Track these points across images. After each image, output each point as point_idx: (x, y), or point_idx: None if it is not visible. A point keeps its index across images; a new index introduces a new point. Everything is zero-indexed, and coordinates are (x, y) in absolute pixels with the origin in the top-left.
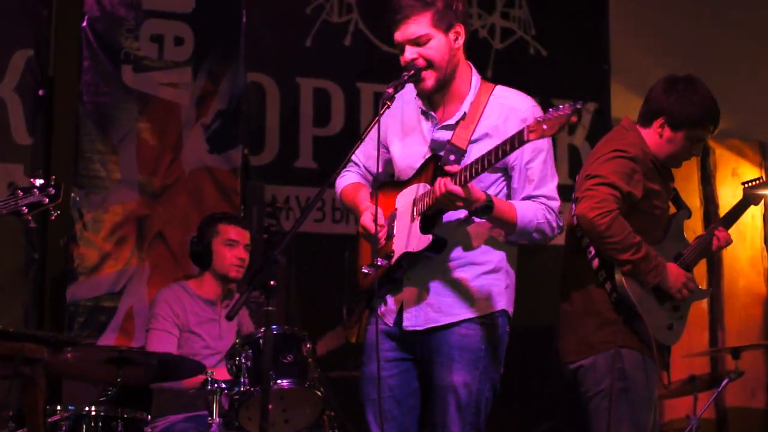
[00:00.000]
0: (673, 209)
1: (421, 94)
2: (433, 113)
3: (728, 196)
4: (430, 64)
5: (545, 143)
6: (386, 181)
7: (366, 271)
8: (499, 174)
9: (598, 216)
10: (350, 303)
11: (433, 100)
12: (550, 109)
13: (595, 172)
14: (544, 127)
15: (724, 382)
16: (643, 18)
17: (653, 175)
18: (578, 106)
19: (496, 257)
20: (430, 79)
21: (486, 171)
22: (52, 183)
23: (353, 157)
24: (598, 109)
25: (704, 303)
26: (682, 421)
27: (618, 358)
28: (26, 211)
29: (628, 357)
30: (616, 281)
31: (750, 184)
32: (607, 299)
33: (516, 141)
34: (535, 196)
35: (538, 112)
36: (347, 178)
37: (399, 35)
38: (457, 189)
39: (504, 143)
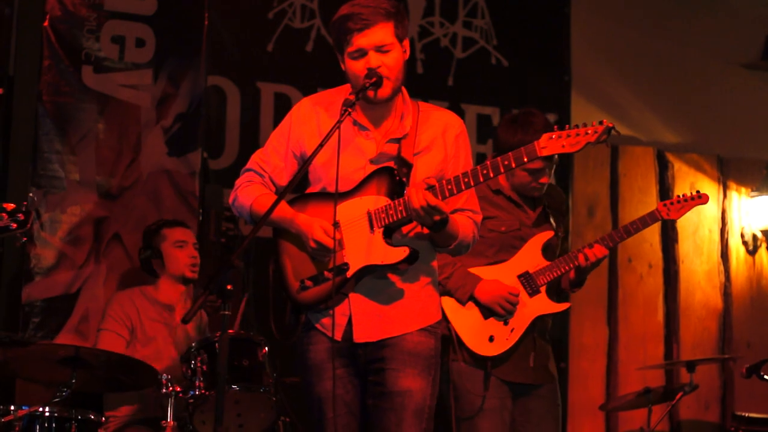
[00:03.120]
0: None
1: (373, 103)
2: (366, 125)
3: None
4: (389, 74)
5: (471, 158)
6: (316, 193)
7: (308, 284)
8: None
9: None
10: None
11: (367, 112)
12: (567, 127)
13: None
14: (563, 144)
15: (679, 395)
16: (604, 31)
17: (486, 202)
18: (610, 126)
19: (433, 269)
20: (387, 88)
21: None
22: (23, 209)
23: (256, 167)
24: (557, 121)
25: (660, 316)
26: None
27: (450, 371)
28: None
29: (454, 369)
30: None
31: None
32: None
33: (525, 155)
34: (463, 210)
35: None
36: (255, 189)
37: (363, 41)
38: (441, 203)
39: (504, 158)
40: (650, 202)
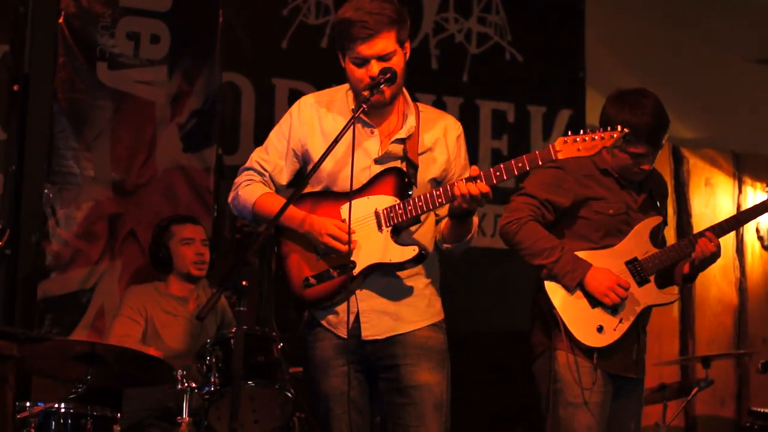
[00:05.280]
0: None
1: (375, 106)
2: (372, 126)
3: (701, 205)
4: (392, 79)
5: (468, 159)
6: (320, 192)
7: (312, 282)
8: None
9: (507, 224)
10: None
11: (369, 112)
12: (582, 131)
13: (522, 184)
14: (579, 148)
15: (694, 391)
16: (619, 27)
17: (594, 182)
18: (626, 131)
19: (436, 268)
20: (387, 92)
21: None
22: None
23: (256, 166)
24: (572, 116)
25: (675, 311)
26: (652, 429)
27: (552, 360)
28: None
29: (559, 358)
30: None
31: None
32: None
33: (540, 159)
34: None
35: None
36: (257, 188)
37: (366, 50)
38: (489, 190)
39: (532, 156)
40: None
